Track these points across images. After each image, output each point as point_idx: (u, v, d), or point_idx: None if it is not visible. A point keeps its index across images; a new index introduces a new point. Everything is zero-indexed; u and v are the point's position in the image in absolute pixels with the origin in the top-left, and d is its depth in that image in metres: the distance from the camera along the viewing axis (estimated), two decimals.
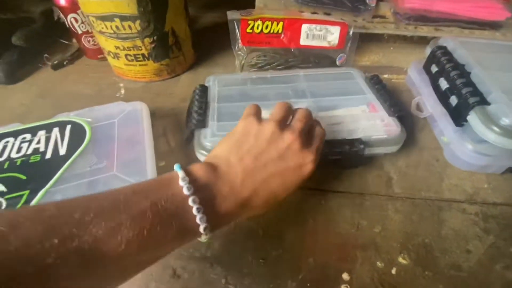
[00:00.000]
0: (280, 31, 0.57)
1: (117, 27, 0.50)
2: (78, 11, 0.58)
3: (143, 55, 0.55)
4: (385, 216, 0.37)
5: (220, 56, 0.66)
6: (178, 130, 0.49)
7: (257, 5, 0.60)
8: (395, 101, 0.44)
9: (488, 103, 0.36)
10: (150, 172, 0.37)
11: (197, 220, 0.23)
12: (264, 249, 0.34)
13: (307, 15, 0.57)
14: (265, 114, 0.33)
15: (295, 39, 0.57)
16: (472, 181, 0.41)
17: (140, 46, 0.54)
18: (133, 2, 0.47)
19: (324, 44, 0.57)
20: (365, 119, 0.42)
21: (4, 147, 0.39)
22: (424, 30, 0.56)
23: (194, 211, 0.23)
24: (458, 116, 0.39)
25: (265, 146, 0.28)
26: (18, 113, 0.55)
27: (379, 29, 0.56)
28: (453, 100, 0.40)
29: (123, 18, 0.49)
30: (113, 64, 0.60)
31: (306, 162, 0.29)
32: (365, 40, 0.63)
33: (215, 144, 0.33)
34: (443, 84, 0.43)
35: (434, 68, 0.46)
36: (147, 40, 0.53)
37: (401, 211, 0.38)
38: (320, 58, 0.59)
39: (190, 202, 0.23)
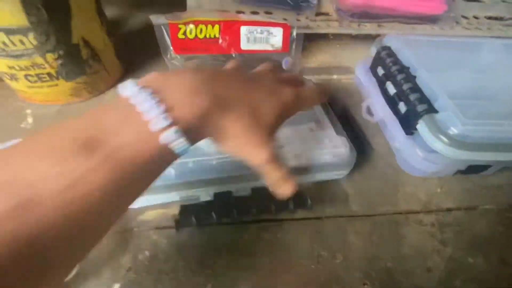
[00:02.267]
0: (217, 35, 0.50)
1: (4, 43, 0.39)
2: None
3: (49, 74, 0.45)
4: (346, 242, 0.34)
5: (155, 65, 0.57)
6: None
7: (189, 5, 0.53)
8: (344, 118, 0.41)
9: (436, 111, 0.34)
10: None
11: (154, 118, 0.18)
12: None
13: (245, 16, 0.51)
14: None
15: (235, 43, 0.51)
16: (425, 187, 0.41)
17: (42, 64, 0.43)
18: (17, 10, 0.37)
19: (267, 47, 0.52)
20: (313, 140, 0.38)
21: None
22: (368, 27, 0.54)
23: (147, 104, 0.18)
24: (408, 124, 0.37)
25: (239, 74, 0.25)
26: None
27: (323, 28, 0.53)
28: (402, 107, 0.38)
29: (8, 31, 0.38)
30: (13, 87, 0.48)
31: (284, 90, 0.25)
32: (311, 39, 0.60)
33: None
34: (391, 88, 0.41)
35: (380, 71, 0.44)
36: (50, 56, 0.43)
37: (361, 233, 0.35)
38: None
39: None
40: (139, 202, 0.33)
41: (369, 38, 0.60)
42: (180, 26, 0.48)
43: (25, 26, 0.38)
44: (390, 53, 0.43)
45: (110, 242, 0.33)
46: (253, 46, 0.51)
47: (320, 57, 0.61)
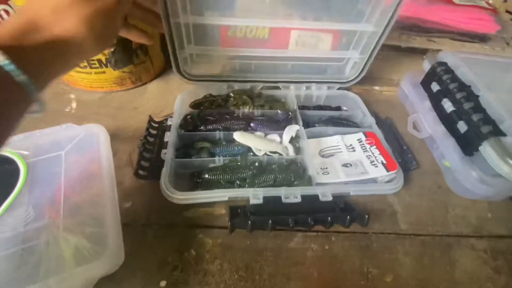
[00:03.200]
0: (266, 37, 0.49)
1: None
2: (10, 2, 0.45)
3: (99, 61, 0.44)
4: (396, 261, 0.33)
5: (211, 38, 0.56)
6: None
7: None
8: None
9: (504, 134, 0.33)
10: (111, 219, 0.29)
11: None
12: None
13: (296, 21, 0.50)
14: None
15: (283, 46, 0.50)
16: (475, 210, 0.39)
17: None
18: None
19: (315, 53, 0.51)
20: (366, 159, 0.37)
21: None
22: (417, 41, 0.53)
23: None
24: (468, 145, 0.36)
25: None
26: None
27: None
28: (462, 126, 0.37)
29: None
30: None
31: None
32: None
33: None
34: (448, 105, 0.39)
35: (435, 86, 0.43)
36: None
37: (411, 253, 0.34)
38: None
39: None
40: (186, 198, 0.33)
41: (415, 52, 0.59)
42: (231, 25, 0.48)
43: None
44: (448, 69, 0.42)
45: (155, 234, 0.33)
46: (301, 49, 0.51)
47: None
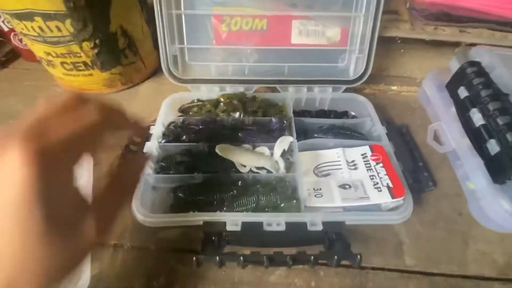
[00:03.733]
0: (265, 27, 0.44)
1: (40, 28, 0.37)
2: None
3: (84, 63, 0.42)
4: None
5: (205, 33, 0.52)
6: None
7: None
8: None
9: None
10: None
11: None
12: None
13: (298, 10, 0.44)
14: None
15: (285, 36, 0.44)
16: (503, 247, 0.32)
17: (77, 53, 0.41)
18: None
19: (322, 41, 0.44)
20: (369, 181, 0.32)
21: None
22: (446, 33, 0.44)
23: None
24: (499, 170, 0.29)
25: None
26: None
27: (390, 31, 0.44)
28: (493, 146, 0.30)
29: (46, 17, 0.36)
30: (51, 72, 0.47)
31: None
32: None
33: None
34: (477, 118, 0.32)
35: (463, 92, 0.35)
36: (86, 45, 0.40)
37: None
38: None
39: None
40: (157, 222, 0.30)
41: (445, 45, 0.50)
42: (224, 18, 0.43)
43: (61, 11, 0.35)
44: (480, 71, 0.34)
45: (126, 257, 0.31)
46: (306, 39, 0.44)
47: (379, 62, 0.52)
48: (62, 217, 0.16)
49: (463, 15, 0.44)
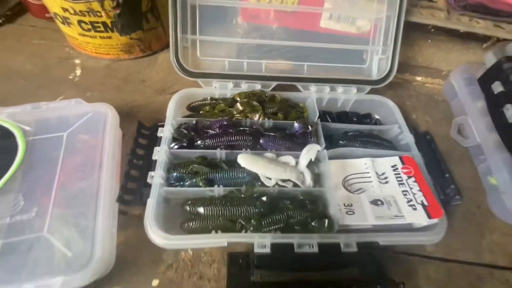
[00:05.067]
0: (295, 3, 0.42)
1: None
2: None
3: (104, 24, 0.39)
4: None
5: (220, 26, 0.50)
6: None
7: None
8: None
9: None
10: (102, 219, 0.26)
11: None
12: None
13: None
14: None
15: (313, 19, 0.42)
16: None
17: (98, 12, 0.38)
18: None
19: (352, 29, 0.43)
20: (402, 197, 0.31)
21: None
22: (481, 25, 0.43)
23: None
24: None
25: None
26: None
27: (425, 18, 0.43)
28: None
29: None
30: (64, 32, 0.44)
31: None
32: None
33: None
34: (511, 114, 0.32)
35: (498, 87, 0.35)
36: (108, 4, 0.37)
37: (433, 280, 0.30)
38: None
39: None
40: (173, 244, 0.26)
41: (473, 40, 0.49)
42: None
43: None
44: None
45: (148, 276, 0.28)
46: (335, 25, 0.43)
47: (405, 51, 0.51)
48: None
49: (501, 9, 0.43)
